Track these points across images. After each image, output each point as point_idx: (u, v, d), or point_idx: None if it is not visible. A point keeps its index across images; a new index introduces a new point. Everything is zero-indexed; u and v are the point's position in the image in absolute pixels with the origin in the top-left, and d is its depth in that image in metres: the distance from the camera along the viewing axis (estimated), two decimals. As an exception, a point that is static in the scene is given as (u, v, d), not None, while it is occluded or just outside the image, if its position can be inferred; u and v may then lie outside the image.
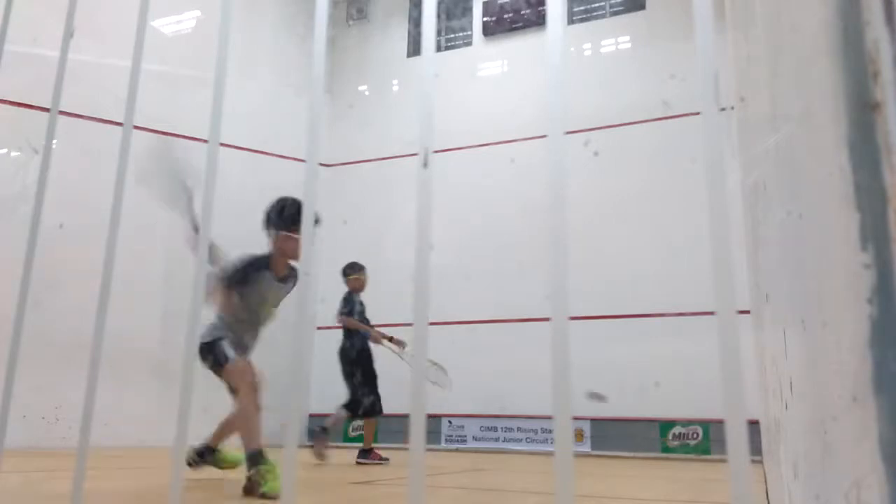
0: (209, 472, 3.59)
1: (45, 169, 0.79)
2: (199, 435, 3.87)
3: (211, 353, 3.09)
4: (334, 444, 8.80)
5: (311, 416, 8.61)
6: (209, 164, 0.69)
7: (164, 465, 3.94)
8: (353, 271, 5.84)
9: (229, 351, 3.10)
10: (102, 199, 0.87)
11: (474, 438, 8.22)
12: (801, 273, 0.52)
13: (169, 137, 3.49)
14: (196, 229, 3.38)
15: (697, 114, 0.52)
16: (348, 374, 5.57)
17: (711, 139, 0.52)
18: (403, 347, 5.25)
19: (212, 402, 5.04)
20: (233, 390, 3.07)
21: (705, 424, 7.27)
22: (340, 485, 3.70)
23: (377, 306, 8.90)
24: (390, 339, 5.43)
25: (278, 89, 9.27)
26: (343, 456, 6.76)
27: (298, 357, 0.66)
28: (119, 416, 5.56)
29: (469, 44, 9.92)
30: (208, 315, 3.28)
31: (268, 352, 5.77)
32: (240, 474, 3.08)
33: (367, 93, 10.40)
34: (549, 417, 7.59)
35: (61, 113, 0.84)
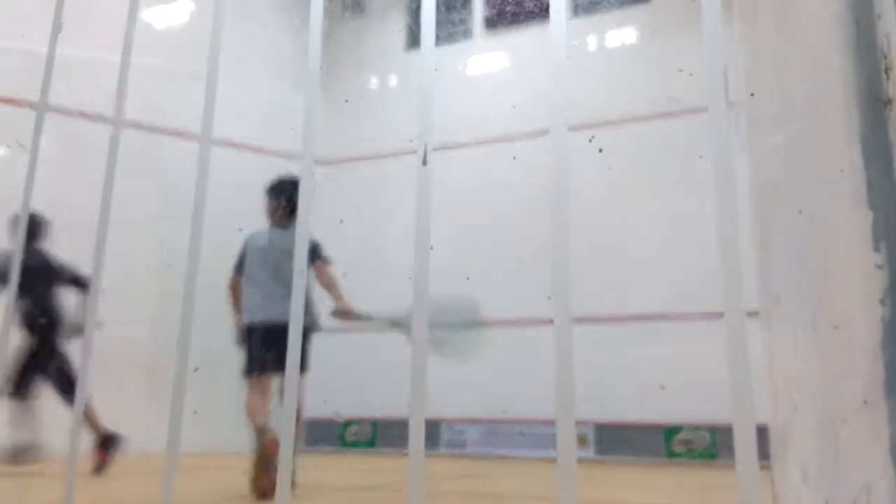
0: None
1: (33, 166, 0.78)
2: (190, 439, 3.83)
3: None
4: (332, 448, 8.80)
5: (309, 420, 8.60)
6: (201, 159, 0.67)
7: (156, 470, 3.92)
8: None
9: None
10: (92, 197, 0.85)
11: (475, 443, 8.20)
12: (812, 274, 0.51)
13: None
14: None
15: (705, 109, 0.51)
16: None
17: (719, 135, 0.50)
18: None
19: (202, 405, 5.02)
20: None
21: (712, 429, 7.25)
22: (339, 489, 3.70)
23: (377, 306, 8.88)
24: None
25: (273, 83, 9.23)
26: (343, 461, 6.76)
27: (294, 359, 0.65)
28: (113, 420, 5.51)
29: (469, 37, 9.88)
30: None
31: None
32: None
33: (364, 87, 10.37)
34: (551, 422, 7.59)
35: (49, 109, 0.82)
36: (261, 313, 3.26)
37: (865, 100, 0.52)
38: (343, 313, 3.55)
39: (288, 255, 3.24)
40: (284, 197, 3.64)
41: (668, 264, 7.71)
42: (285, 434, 0.64)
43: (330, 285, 3.66)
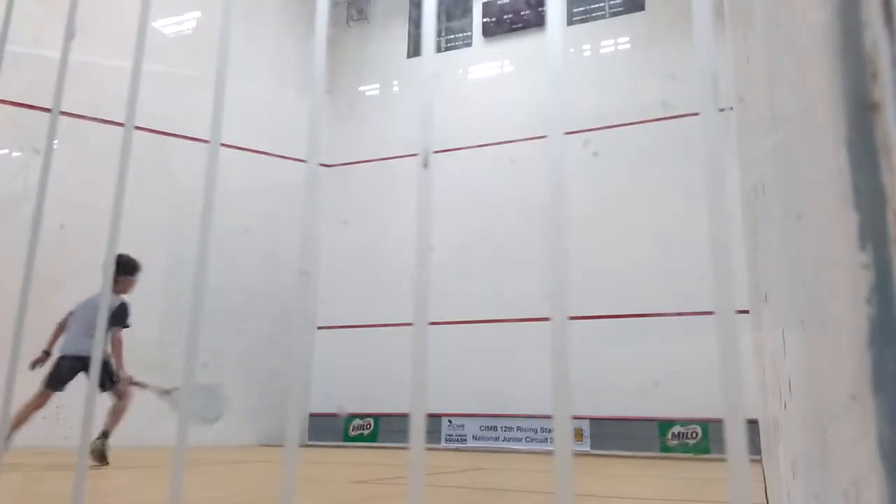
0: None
1: (47, 169, 0.80)
2: (199, 433, 3.88)
3: (107, 370, 4.47)
4: (334, 443, 8.81)
5: (312, 415, 8.61)
6: (210, 164, 0.69)
7: (164, 464, 3.94)
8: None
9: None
10: (103, 200, 0.88)
11: (474, 438, 8.23)
12: (800, 273, 0.52)
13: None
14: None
15: (697, 114, 0.52)
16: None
17: (711, 140, 0.52)
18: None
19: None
20: (118, 394, 4.55)
21: (704, 424, 7.27)
22: (341, 483, 3.71)
23: (378, 306, 8.91)
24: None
25: (279, 90, 9.28)
26: (344, 455, 6.76)
27: (299, 356, 0.67)
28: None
29: (469, 45, 9.94)
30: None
31: (269, 351, 5.77)
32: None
33: (367, 93, 10.41)
34: (548, 417, 7.58)
35: (62, 113, 0.84)
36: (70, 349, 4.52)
37: (852, 105, 0.53)
38: (121, 380, 4.56)
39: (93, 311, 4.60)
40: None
41: (661, 264, 7.73)
42: (291, 433, 0.65)
43: (116, 351, 4.56)
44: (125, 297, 4.67)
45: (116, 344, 4.50)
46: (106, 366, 4.44)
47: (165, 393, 4.58)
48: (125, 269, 4.52)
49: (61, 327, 4.68)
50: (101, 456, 4.23)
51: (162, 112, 7.21)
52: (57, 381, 4.45)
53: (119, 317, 4.54)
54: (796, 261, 0.52)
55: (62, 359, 4.50)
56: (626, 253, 8.12)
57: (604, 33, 9.21)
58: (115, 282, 4.58)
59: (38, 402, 4.35)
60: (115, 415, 4.48)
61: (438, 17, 10.35)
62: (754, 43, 0.59)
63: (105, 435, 4.38)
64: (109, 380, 4.45)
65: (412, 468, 0.56)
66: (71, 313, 4.73)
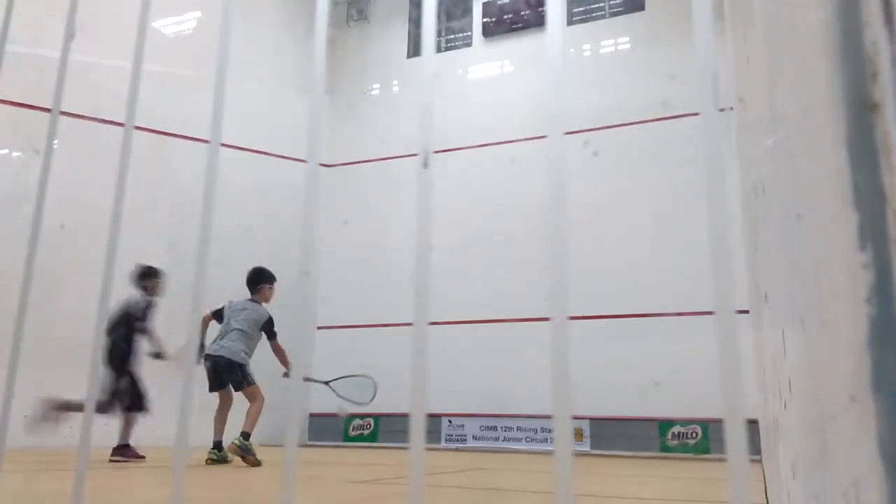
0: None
1: (47, 169, 0.79)
2: (198, 434, 3.87)
3: (241, 372, 4.85)
4: (334, 443, 8.81)
5: (312, 415, 8.61)
6: (210, 164, 0.69)
7: (163, 464, 3.94)
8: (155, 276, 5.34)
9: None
10: (103, 200, 0.88)
11: (474, 438, 8.22)
12: (800, 273, 0.52)
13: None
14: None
15: (697, 114, 0.52)
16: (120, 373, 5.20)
17: (711, 139, 0.52)
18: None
19: (208, 400, 5.17)
20: (249, 397, 4.86)
21: (704, 424, 7.27)
22: (341, 483, 3.71)
23: (378, 306, 8.91)
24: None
25: (279, 90, 9.27)
26: (344, 455, 6.75)
27: (299, 356, 0.67)
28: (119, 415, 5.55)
29: (469, 45, 9.93)
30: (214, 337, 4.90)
31: (269, 351, 5.80)
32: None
33: (367, 93, 10.41)
34: (548, 417, 7.57)
35: (62, 113, 0.84)
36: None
37: (852, 105, 0.53)
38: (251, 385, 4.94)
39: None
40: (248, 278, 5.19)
41: (661, 264, 7.73)
42: (291, 433, 0.65)
43: (281, 357, 4.96)
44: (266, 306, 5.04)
45: (279, 352, 4.92)
46: (241, 368, 4.85)
47: (325, 384, 5.11)
48: (268, 278, 5.05)
49: (207, 322, 4.92)
50: (245, 452, 4.55)
51: (162, 112, 7.20)
52: (212, 382, 4.75)
53: (270, 326, 4.96)
54: (796, 261, 0.52)
55: (204, 359, 4.82)
56: (625, 253, 8.11)
57: (604, 33, 9.20)
58: (261, 291, 4.99)
59: (222, 407, 4.67)
60: (251, 417, 4.75)
61: (438, 17, 10.33)
62: (754, 43, 0.60)
63: (245, 436, 4.69)
64: (244, 381, 4.82)
65: (412, 468, 0.56)
66: (221, 313, 5.00)
